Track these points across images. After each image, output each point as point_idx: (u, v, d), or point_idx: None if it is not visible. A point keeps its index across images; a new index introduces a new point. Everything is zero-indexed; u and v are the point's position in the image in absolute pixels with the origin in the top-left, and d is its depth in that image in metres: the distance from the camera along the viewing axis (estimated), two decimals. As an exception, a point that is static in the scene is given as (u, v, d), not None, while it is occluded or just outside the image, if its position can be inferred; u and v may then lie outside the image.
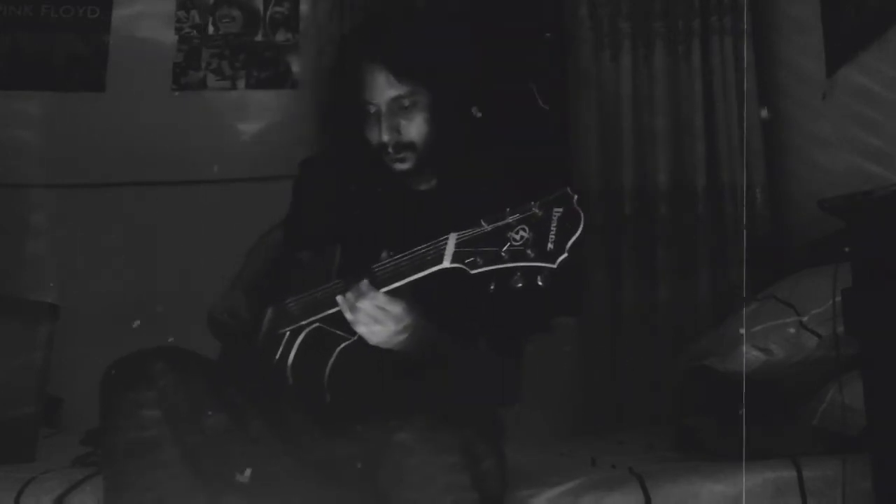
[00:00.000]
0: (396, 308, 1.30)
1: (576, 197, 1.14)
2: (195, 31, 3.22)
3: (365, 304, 1.29)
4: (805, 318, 1.85)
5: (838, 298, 1.54)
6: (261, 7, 3.20)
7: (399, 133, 1.49)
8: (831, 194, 1.41)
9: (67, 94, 3.17)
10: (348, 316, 1.32)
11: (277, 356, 1.43)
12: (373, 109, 1.50)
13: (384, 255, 1.32)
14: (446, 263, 1.21)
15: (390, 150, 1.49)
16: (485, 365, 1.46)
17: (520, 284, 1.13)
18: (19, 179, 3.07)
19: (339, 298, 1.33)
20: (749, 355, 1.88)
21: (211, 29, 3.22)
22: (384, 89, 1.47)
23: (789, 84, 2.86)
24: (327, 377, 1.39)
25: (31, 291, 2.80)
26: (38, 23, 3.21)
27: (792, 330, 1.85)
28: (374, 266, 1.32)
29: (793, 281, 2.03)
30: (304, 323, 1.42)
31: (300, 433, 1.43)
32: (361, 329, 1.32)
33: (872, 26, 2.21)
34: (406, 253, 1.28)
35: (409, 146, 1.50)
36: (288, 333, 1.44)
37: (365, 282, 1.30)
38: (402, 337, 1.33)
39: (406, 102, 1.48)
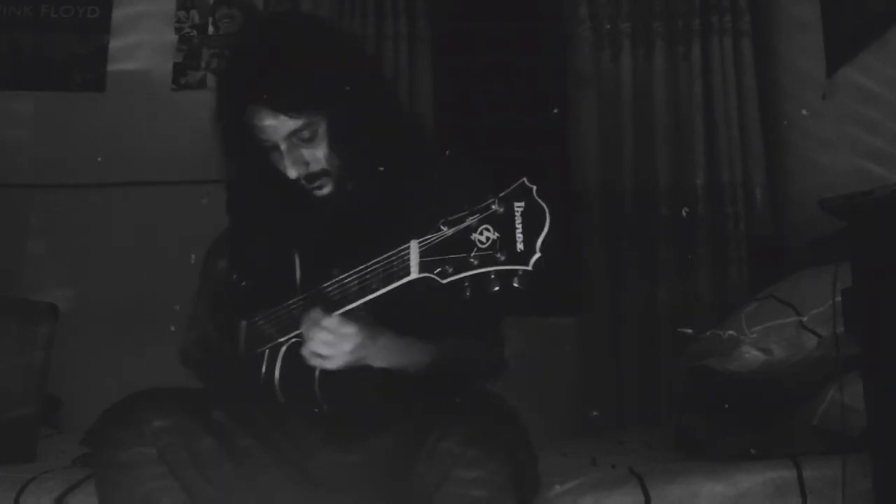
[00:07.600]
0: (348, 329, 1.25)
1: (535, 188, 1.09)
2: (195, 31, 3.22)
3: (316, 333, 1.25)
4: (805, 318, 1.84)
5: (838, 298, 1.54)
6: (261, 7, 3.20)
7: (307, 165, 1.42)
8: (831, 194, 1.40)
9: (67, 94, 3.17)
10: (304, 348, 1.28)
11: (263, 375, 1.38)
12: (270, 145, 1.43)
13: (335, 272, 1.26)
14: (415, 274, 1.16)
15: (303, 182, 1.43)
16: (463, 347, 1.42)
17: (496, 287, 1.10)
18: (19, 179, 3.07)
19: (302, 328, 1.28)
20: (749, 355, 1.88)
21: (211, 29, 3.22)
22: (278, 128, 1.40)
23: (789, 84, 2.86)
24: (318, 386, 1.37)
25: (31, 291, 2.80)
26: (38, 23, 3.22)
27: (792, 330, 1.85)
28: (328, 285, 1.27)
29: (793, 281, 2.03)
30: (281, 340, 1.38)
31: (299, 445, 1.41)
32: (315, 361, 1.28)
33: (872, 26, 2.21)
34: (369, 265, 1.22)
35: (323, 173, 1.43)
36: (268, 351, 1.39)
37: (316, 310, 1.25)
38: (358, 354, 1.29)
39: (305, 134, 1.40)
